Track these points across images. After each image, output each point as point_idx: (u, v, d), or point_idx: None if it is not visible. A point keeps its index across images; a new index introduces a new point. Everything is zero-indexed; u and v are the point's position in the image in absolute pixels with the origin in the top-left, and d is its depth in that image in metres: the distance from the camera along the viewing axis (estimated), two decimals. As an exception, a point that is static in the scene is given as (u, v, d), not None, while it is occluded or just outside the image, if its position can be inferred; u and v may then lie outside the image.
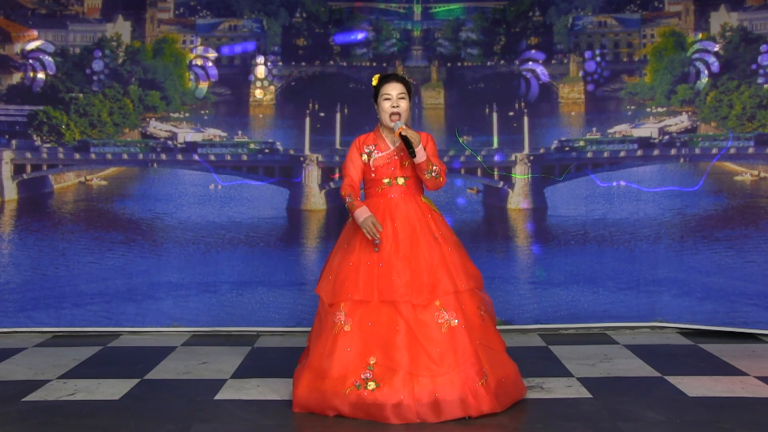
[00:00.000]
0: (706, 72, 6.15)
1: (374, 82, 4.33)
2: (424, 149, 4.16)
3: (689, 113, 6.28)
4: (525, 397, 4.28)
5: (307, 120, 6.40)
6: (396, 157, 4.24)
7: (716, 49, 6.18)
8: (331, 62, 6.46)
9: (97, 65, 6.28)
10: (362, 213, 4.12)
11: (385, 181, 4.25)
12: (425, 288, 4.03)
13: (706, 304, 6.01)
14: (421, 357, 3.93)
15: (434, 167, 4.15)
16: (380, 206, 4.21)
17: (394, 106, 4.20)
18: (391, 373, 3.92)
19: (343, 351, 3.99)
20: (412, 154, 4.10)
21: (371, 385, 3.92)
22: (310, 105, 6.42)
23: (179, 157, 6.37)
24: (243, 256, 6.26)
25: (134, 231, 6.30)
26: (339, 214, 6.31)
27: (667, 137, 6.29)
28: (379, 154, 4.26)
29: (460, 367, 3.94)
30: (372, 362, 3.96)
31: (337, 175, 6.33)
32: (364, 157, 4.28)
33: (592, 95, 6.39)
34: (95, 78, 6.31)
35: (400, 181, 4.25)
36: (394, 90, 4.23)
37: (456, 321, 4.00)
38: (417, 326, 3.98)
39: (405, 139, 4.09)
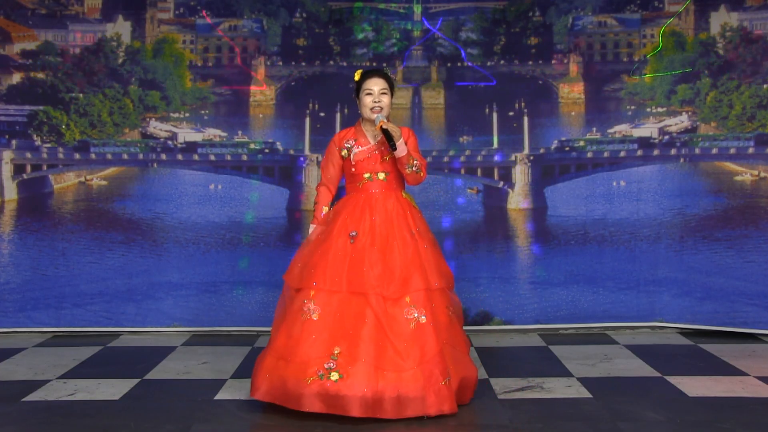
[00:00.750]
0: None
1: (356, 77, 4.33)
2: (406, 144, 4.18)
3: (689, 113, 6.28)
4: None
5: (307, 120, 6.40)
6: (376, 152, 4.25)
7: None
8: (331, 62, 6.46)
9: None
10: (311, 230, 4.32)
11: (366, 176, 4.26)
12: (396, 282, 4.03)
13: (706, 304, 6.01)
14: (387, 351, 3.93)
15: (415, 162, 4.16)
16: (360, 201, 4.23)
17: (375, 101, 4.21)
18: (354, 364, 3.89)
19: (308, 338, 3.98)
20: (393, 148, 4.11)
21: (334, 376, 3.90)
22: (310, 105, 6.42)
23: (179, 157, 6.37)
24: (243, 256, 6.26)
25: (134, 231, 6.30)
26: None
27: (667, 137, 6.29)
28: (360, 149, 4.26)
29: (425, 364, 3.93)
30: (336, 352, 3.94)
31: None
32: (344, 152, 4.29)
33: (592, 95, 6.39)
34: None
35: (381, 176, 4.26)
36: (376, 85, 4.23)
37: (424, 318, 4.00)
38: (386, 319, 3.97)
39: (386, 133, 4.10)
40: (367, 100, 4.23)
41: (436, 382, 3.92)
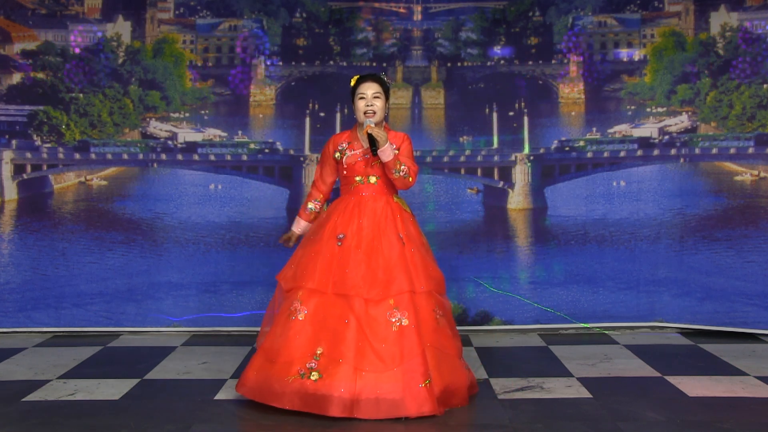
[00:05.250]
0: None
1: (352, 83, 4.39)
2: (397, 149, 4.24)
3: (689, 113, 6.28)
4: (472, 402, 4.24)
5: (307, 120, 6.40)
6: (368, 156, 4.30)
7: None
8: (331, 62, 6.46)
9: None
10: (294, 225, 4.55)
11: (357, 179, 4.33)
12: (379, 284, 4.08)
13: (706, 304, 6.01)
14: (366, 352, 3.97)
15: (402, 167, 4.20)
16: (350, 203, 4.30)
17: (368, 105, 4.27)
18: (335, 364, 3.96)
19: (293, 338, 4.07)
20: (374, 153, 4.19)
21: (314, 376, 3.97)
22: (310, 105, 6.42)
23: (179, 157, 6.37)
24: (243, 256, 6.26)
25: (134, 231, 6.30)
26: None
27: (667, 137, 6.29)
28: (352, 153, 4.33)
29: (404, 366, 3.96)
30: (319, 352, 4.02)
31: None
32: (337, 155, 4.38)
33: (592, 95, 6.40)
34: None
35: (372, 179, 4.32)
36: (369, 89, 4.30)
37: (407, 321, 4.03)
38: (366, 322, 4.02)
39: (370, 138, 4.17)
40: (360, 104, 4.30)
41: (415, 384, 3.95)
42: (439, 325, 4.18)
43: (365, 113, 4.26)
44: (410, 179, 4.25)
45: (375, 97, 4.28)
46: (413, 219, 4.40)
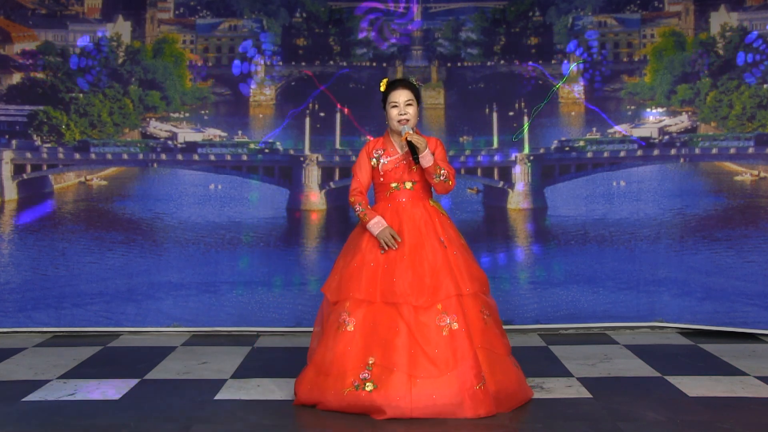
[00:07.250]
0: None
1: (382, 88, 4.35)
2: (433, 154, 4.21)
3: (689, 113, 6.29)
4: (530, 398, 4.28)
5: (307, 120, 6.40)
6: (404, 162, 4.28)
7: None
8: (331, 62, 6.47)
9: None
10: (378, 224, 4.17)
11: (393, 185, 4.30)
12: (426, 290, 4.07)
13: (706, 304, 6.01)
14: (419, 359, 3.97)
15: (442, 171, 4.19)
16: (388, 210, 4.28)
17: (401, 114, 4.24)
18: (388, 373, 3.95)
19: (344, 350, 4.05)
20: (416, 161, 4.16)
21: (369, 386, 3.96)
22: (310, 105, 6.42)
23: (179, 157, 6.38)
24: (243, 256, 6.26)
25: (134, 231, 6.30)
26: (339, 214, 6.31)
27: (667, 137, 6.29)
28: (388, 159, 4.30)
29: (458, 369, 3.96)
30: (371, 362, 4.00)
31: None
32: (373, 161, 4.33)
33: (592, 95, 6.40)
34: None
35: (408, 185, 4.29)
36: (401, 97, 4.26)
37: (456, 324, 4.03)
38: (417, 328, 4.01)
39: (410, 145, 4.15)
40: (393, 113, 4.26)
41: (470, 387, 3.95)
42: (486, 326, 4.17)
43: (399, 121, 4.23)
44: (450, 183, 4.24)
45: (407, 105, 4.25)
46: (451, 222, 4.39)
